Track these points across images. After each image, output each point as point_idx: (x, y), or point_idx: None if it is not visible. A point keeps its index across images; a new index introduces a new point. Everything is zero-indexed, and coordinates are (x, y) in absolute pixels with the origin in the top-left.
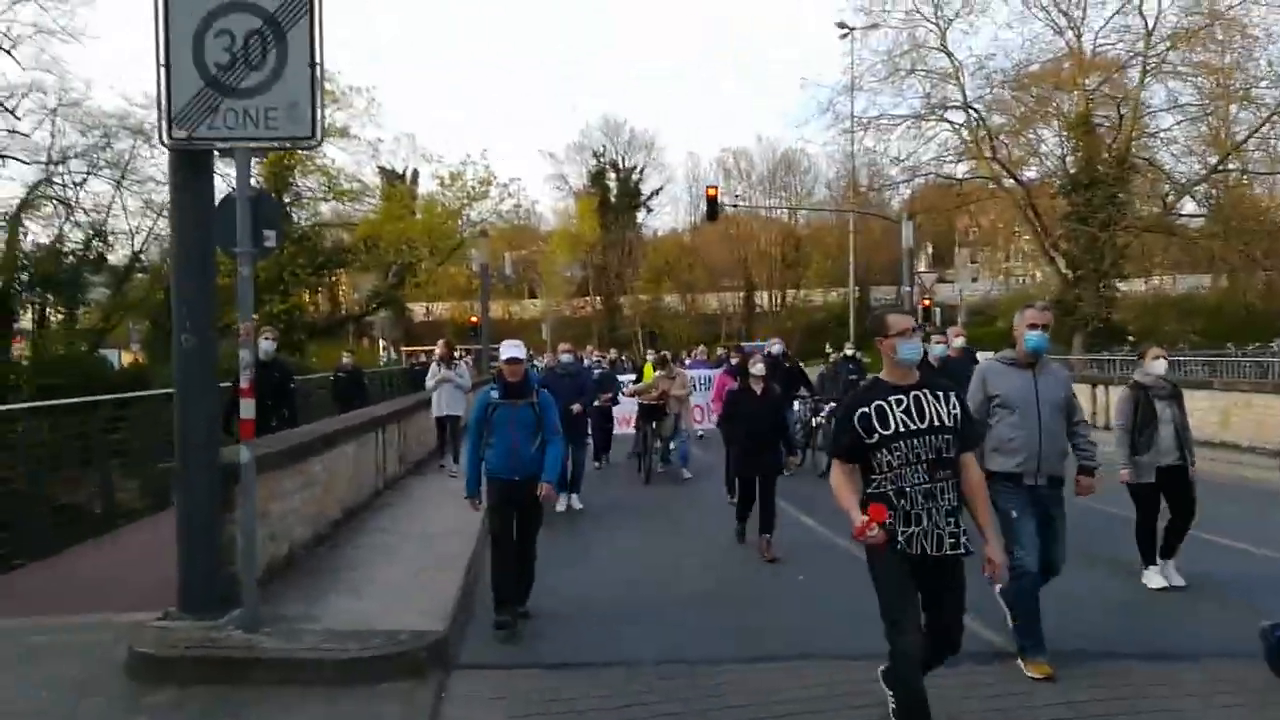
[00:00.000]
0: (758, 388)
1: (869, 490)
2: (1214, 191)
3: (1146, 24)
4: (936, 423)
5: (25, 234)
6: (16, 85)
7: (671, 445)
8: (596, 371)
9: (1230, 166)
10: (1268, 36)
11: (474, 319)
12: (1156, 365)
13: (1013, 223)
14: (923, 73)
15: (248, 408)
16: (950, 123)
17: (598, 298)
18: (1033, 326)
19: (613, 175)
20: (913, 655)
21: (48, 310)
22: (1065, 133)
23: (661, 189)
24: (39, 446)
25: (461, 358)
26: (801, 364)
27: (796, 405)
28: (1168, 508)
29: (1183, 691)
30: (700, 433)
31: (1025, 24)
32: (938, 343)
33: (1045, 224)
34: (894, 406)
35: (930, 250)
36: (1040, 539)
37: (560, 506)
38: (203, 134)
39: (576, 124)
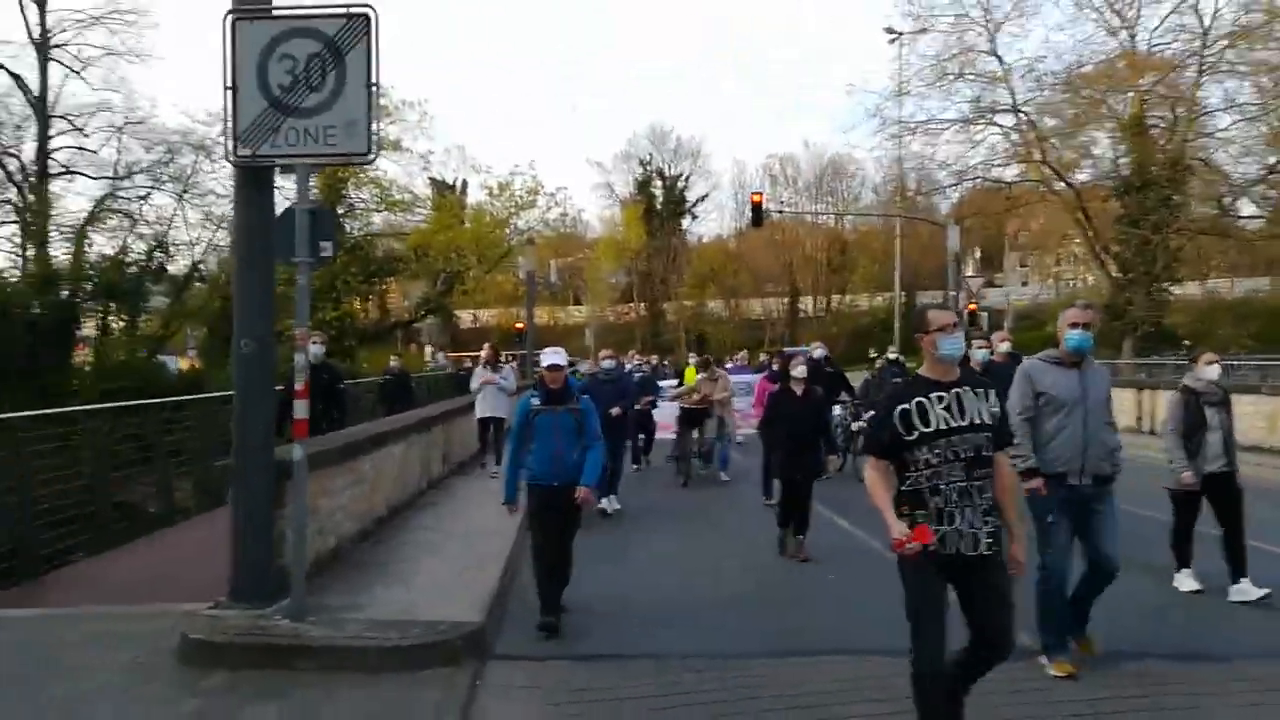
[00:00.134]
0: (798, 389)
1: (903, 487)
2: (1273, 193)
3: (1202, 22)
4: (977, 421)
5: (90, 245)
6: (86, 105)
7: (716, 445)
8: (637, 375)
9: None
10: None
11: (519, 325)
12: (1209, 370)
13: (1063, 226)
14: (971, 76)
15: (301, 408)
16: (999, 126)
17: (642, 304)
18: (1074, 326)
19: (659, 183)
20: (932, 663)
21: (110, 318)
22: (1118, 134)
23: (707, 195)
24: (99, 447)
25: (507, 362)
26: (843, 369)
27: (837, 410)
28: (1214, 517)
29: (1205, 690)
30: (740, 438)
31: (1077, 25)
32: (979, 347)
33: (1096, 227)
34: (935, 404)
35: (979, 254)
36: (1089, 539)
37: (607, 508)
38: (265, 152)
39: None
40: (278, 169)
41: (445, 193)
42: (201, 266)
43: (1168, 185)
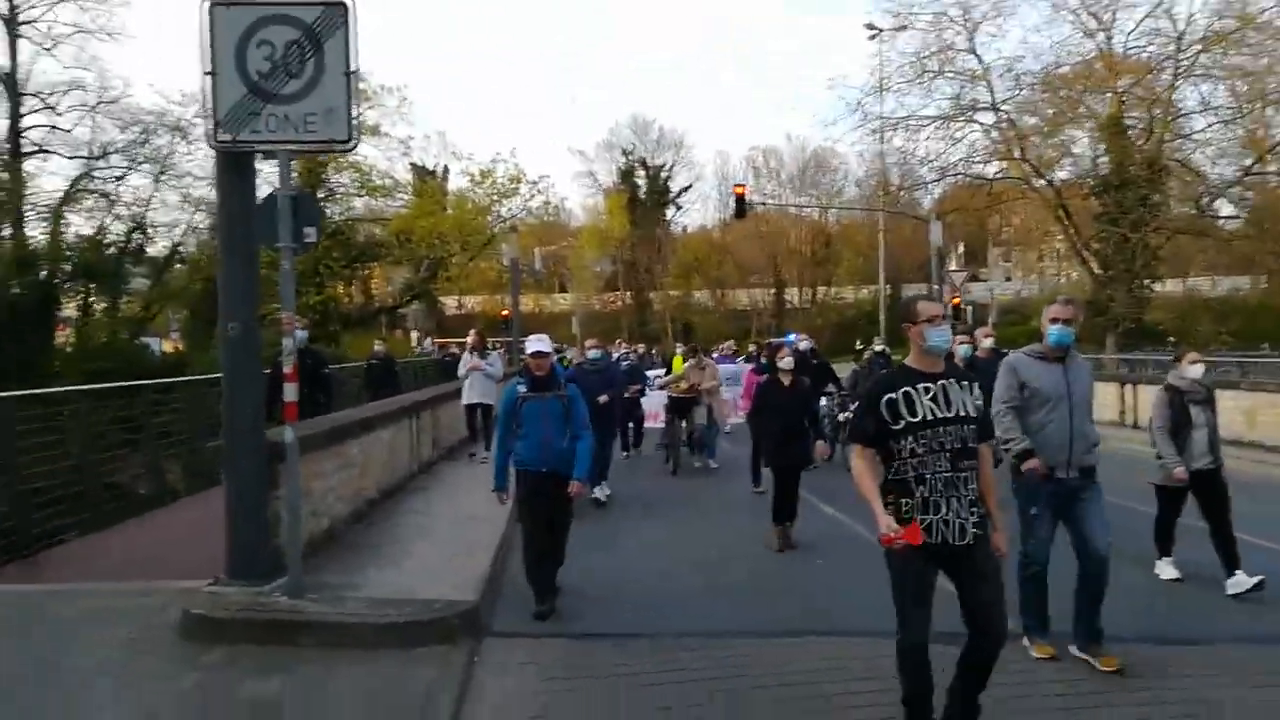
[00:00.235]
0: (786, 379)
1: (889, 476)
2: (1249, 194)
3: (1176, 27)
4: (963, 413)
5: (67, 226)
6: (57, 83)
7: (706, 434)
8: (625, 364)
9: (1267, 169)
10: None
11: (505, 312)
12: (1193, 369)
13: (1044, 223)
14: (951, 74)
15: (290, 391)
16: (979, 123)
17: (628, 293)
18: (1054, 321)
19: (642, 173)
20: (917, 636)
21: (90, 300)
22: (1097, 134)
23: (690, 186)
24: (88, 428)
25: (493, 348)
26: (829, 361)
27: (824, 401)
28: (1201, 513)
29: (1184, 672)
30: (729, 428)
31: (1054, 27)
32: (963, 343)
33: (1077, 224)
34: (921, 394)
35: (962, 249)
36: (1077, 528)
37: (600, 496)
38: (246, 137)
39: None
40: (259, 154)
41: (426, 178)
42: (182, 248)
43: (1146, 185)
